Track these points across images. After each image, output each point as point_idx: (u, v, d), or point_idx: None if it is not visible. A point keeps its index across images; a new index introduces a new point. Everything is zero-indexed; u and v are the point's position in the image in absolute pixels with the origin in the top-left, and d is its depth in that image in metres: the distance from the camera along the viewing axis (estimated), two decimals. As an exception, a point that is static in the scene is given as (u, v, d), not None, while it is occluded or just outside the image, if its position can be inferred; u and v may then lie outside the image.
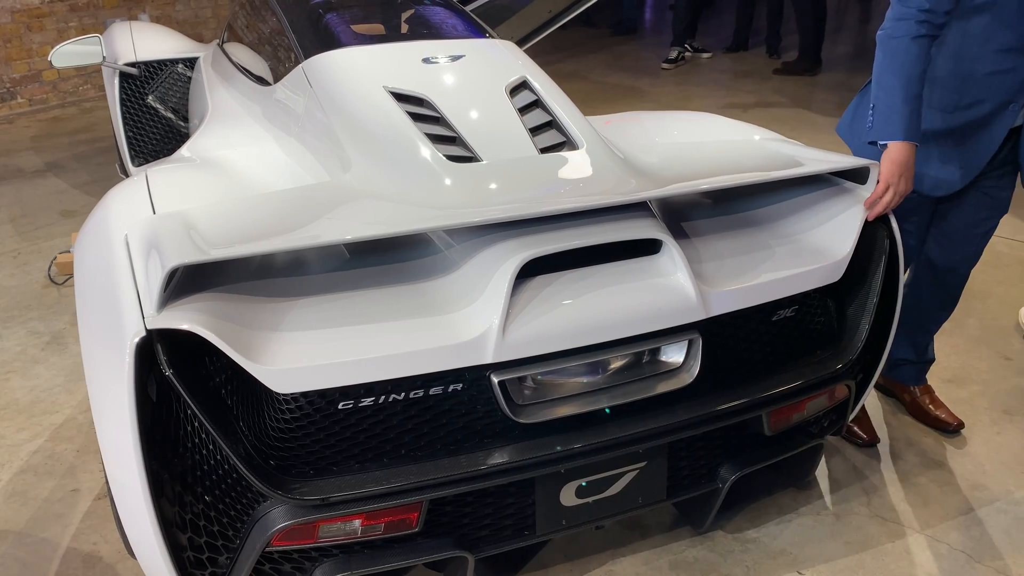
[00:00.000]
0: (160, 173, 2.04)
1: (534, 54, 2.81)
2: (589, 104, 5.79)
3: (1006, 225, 3.14)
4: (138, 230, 1.65)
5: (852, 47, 8.09)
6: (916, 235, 2.37)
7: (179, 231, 1.60)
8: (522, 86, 2.22)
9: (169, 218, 1.69)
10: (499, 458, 1.67)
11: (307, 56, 2.41)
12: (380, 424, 1.64)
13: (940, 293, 2.49)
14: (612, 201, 1.76)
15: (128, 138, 3.86)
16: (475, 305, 1.63)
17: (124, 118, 3.85)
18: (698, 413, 1.81)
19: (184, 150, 2.38)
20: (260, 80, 2.73)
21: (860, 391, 2.19)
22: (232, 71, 3.04)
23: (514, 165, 1.91)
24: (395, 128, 2.01)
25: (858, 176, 2.05)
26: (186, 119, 3.86)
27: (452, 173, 1.86)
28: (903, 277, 2.11)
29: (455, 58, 2.34)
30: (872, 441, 2.51)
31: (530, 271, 1.67)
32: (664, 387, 1.79)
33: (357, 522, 1.63)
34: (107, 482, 1.64)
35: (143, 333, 1.44)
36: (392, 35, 2.89)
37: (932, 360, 2.65)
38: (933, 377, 2.73)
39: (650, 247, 1.78)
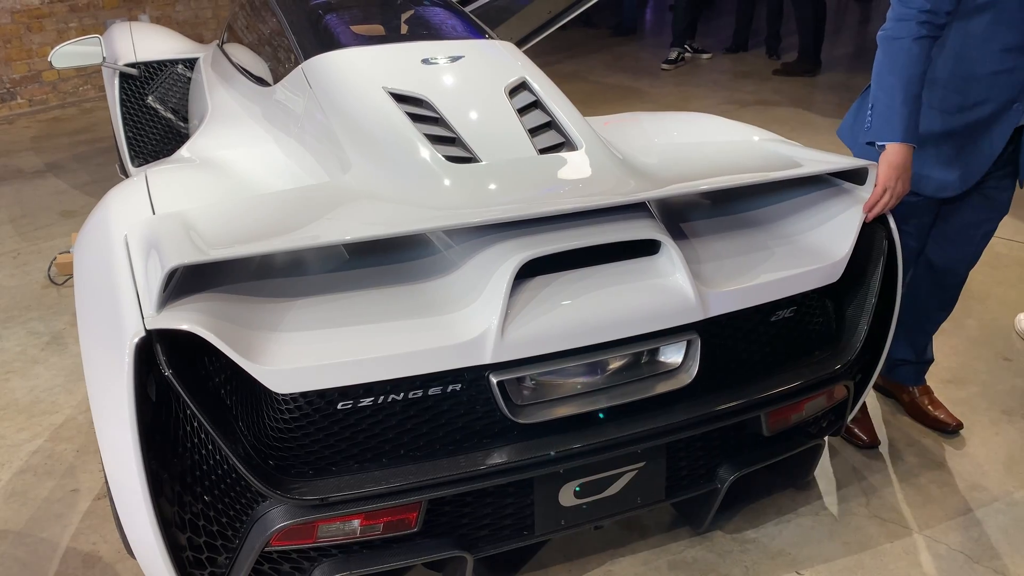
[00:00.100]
0: (160, 174, 2.04)
1: (534, 55, 2.82)
2: (588, 105, 5.80)
3: (1006, 226, 3.14)
4: (138, 230, 1.65)
5: (852, 48, 8.10)
6: (917, 237, 2.36)
7: (179, 231, 1.60)
8: (521, 87, 2.23)
9: (169, 218, 1.69)
10: (498, 458, 1.67)
11: (307, 57, 2.41)
12: (379, 424, 1.64)
13: (939, 293, 2.49)
14: (611, 202, 1.77)
15: (128, 138, 3.87)
16: (474, 305, 1.63)
17: (124, 119, 3.86)
18: (697, 413, 1.81)
19: (184, 151, 2.38)
20: (260, 81, 2.73)
21: (859, 392, 2.19)
22: (232, 72, 3.04)
23: (513, 166, 1.91)
24: (394, 129, 2.01)
25: (857, 177, 2.05)
26: (186, 120, 3.87)
27: (451, 174, 1.86)
28: (902, 278, 2.11)
29: (454, 59, 2.35)
30: (872, 443, 2.51)
31: (529, 271, 1.67)
32: (663, 388, 1.79)
33: (356, 522, 1.63)
34: (107, 482, 1.64)
35: (143, 333, 1.45)
36: (392, 36, 2.90)
37: (931, 360, 2.65)
38: (932, 378, 2.73)
39: (649, 248, 1.79)
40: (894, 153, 2.01)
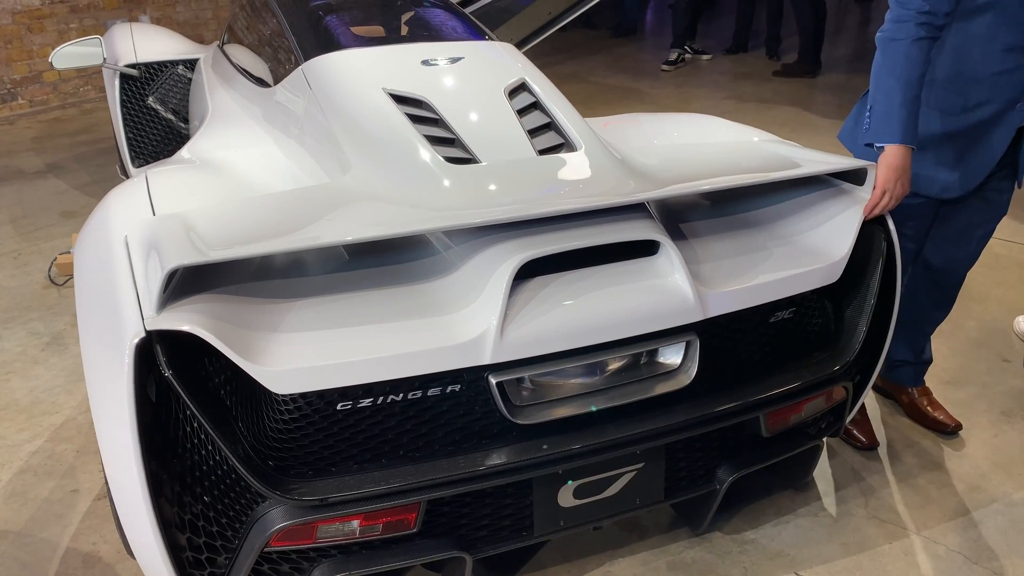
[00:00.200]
0: (160, 174, 2.04)
1: (534, 56, 2.82)
2: (588, 106, 5.81)
3: (1004, 227, 3.14)
4: (138, 231, 1.66)
5: (852, 49, 8.10)
6: (916, 239, 2.36)
7: (179, 232, 1.60)
8: (521, 88, 2.23)
9: (169, 219, 1.70)
10: (497, 459, 1.67)
11: (307, 58, 2.42)
12: (378, 425, 1.65)
13: (936, 294, 2.49)
14: (610, 202, 1.77)
15: (128, 139, 3.87)
16: (473, 306, 1.64)
17: (124, 119, 3.86)
18: (696, 414, 1.81)
19: (184, 151, 2.39)
20: (260, 82, 2.73)
21: (858, 392, 2.19)
22: (232, 73, 3.04)
23: (513, 166, 1.92)
24: (394, 130, 2.02)
25: (856, 177, 2.05)
26: (186, 120, 3.87)
27: (451, 175, 1.86)
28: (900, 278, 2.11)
29: (454, 60, 2.35)
30: (872, 445, 2.51)
31: (528, 272, 1.68)
32: (662, 388, 1.80)
33: (355, 522, 1.63)
34: (106, 482, 1.65)
35: (143, 334, 1.45)
36: (391, 37, 2.90)
37: (930, 361, 2.65)
38: (931, 379, 2.73)
39: (648, 248, 1.79)
40: (893, 155, 2.01)
